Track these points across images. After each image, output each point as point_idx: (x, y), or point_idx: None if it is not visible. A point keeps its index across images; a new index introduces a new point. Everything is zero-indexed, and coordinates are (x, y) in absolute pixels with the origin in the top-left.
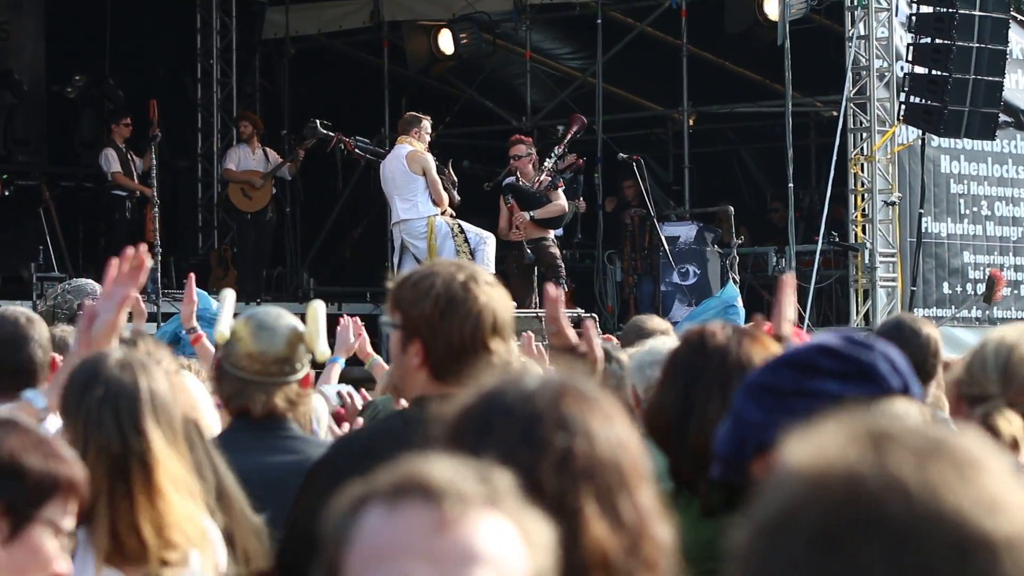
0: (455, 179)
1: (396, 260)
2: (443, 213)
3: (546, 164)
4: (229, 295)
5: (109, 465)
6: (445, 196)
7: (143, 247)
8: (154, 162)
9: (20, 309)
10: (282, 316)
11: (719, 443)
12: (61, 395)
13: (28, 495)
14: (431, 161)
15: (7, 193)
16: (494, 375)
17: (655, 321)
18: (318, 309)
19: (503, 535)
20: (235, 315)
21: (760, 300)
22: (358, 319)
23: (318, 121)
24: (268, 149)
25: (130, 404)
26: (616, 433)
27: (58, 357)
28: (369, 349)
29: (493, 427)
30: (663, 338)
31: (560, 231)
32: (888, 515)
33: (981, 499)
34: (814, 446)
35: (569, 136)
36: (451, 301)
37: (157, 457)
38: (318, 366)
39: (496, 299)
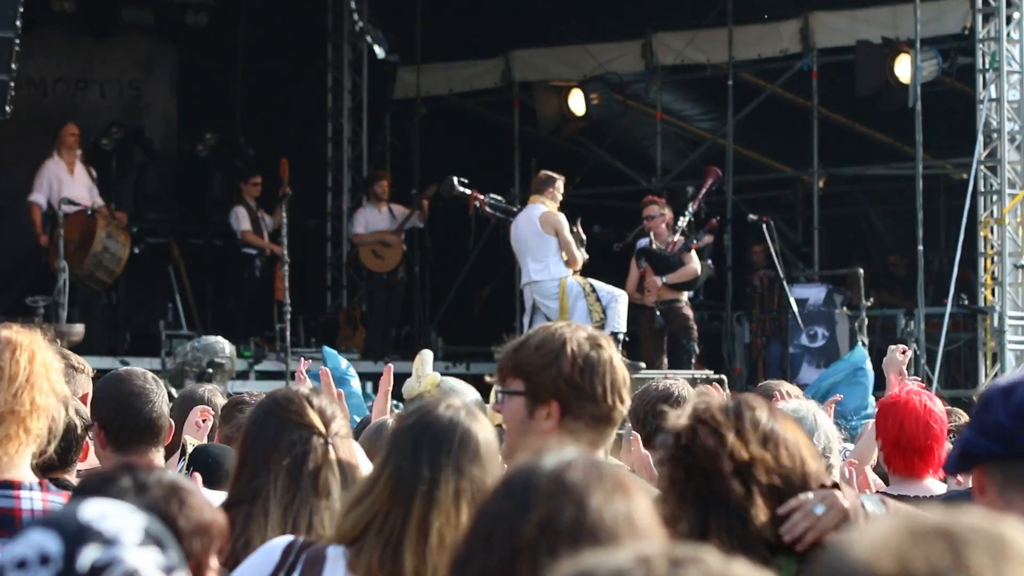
0: (583, 237)
1: (527, 321)
2: (574, 273)
3: (679, 223)
4: (427, 355)
5: (394, 489)
6: (578, 256)
7: None
8: (284, 220)
9: (145, 370)
10: (471, 391)
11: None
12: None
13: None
14: (564, 221)
15: (136, 251)
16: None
17: (785, 386)
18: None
19: None
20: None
21: None
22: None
23: (455, 178)
24: (394, 206)
25: (435, 439)
26: (621, 509)
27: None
28: None
29: (495, 493)
30: (795, 402)
31: (692, 292)
32: None
33: None
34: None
35: (704, 190)
36: (587, 358)
37: (439, 499)
38: None
39: (617, 356)
